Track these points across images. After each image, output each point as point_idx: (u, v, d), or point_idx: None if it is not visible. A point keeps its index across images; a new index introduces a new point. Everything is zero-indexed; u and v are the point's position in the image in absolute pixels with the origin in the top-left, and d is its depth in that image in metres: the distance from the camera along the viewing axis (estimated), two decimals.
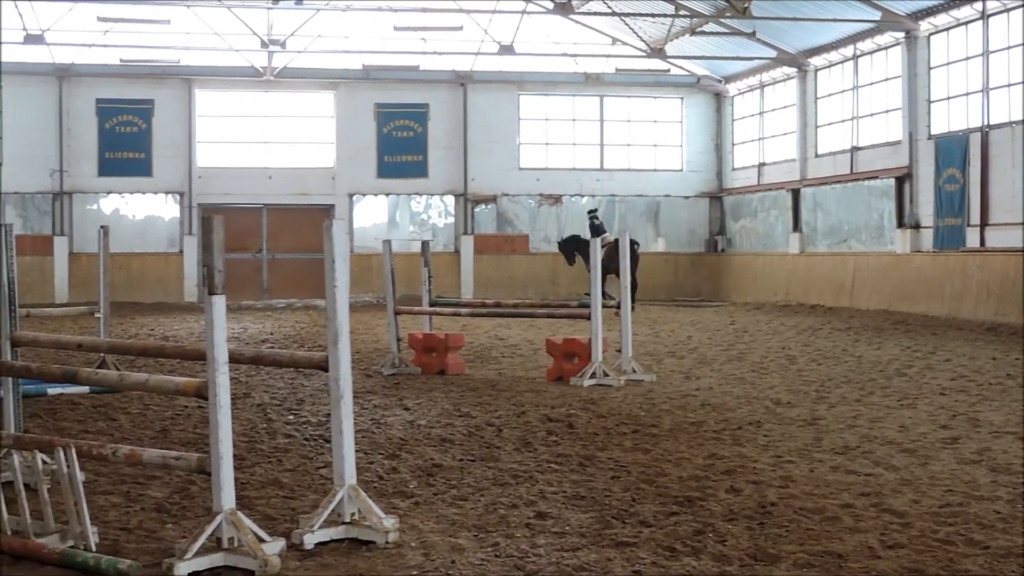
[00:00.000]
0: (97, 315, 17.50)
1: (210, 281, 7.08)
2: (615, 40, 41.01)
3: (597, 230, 35.28)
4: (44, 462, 7.96)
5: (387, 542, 7.70)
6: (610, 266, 35.66)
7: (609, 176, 42.56)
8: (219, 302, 7.12)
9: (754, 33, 35.92)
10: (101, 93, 39.66)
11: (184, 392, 7.58)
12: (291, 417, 13.57)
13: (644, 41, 39.23)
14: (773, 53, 37.66)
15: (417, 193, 41.61)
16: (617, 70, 41.77)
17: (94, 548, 7.35)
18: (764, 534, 8.01)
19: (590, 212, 36.41)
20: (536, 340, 23.32)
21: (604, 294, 34.47)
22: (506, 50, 39.13)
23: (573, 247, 35.39)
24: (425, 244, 19.41)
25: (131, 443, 11.22)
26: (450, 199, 41.78)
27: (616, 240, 35.34)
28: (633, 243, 35.60)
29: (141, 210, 40.09)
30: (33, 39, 37.10)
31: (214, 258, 7.09)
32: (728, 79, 42.24)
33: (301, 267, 40.01)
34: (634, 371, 17.11)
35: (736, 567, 7.26)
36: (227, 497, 7.21)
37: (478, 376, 17.89)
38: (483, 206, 42.01)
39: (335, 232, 7.75)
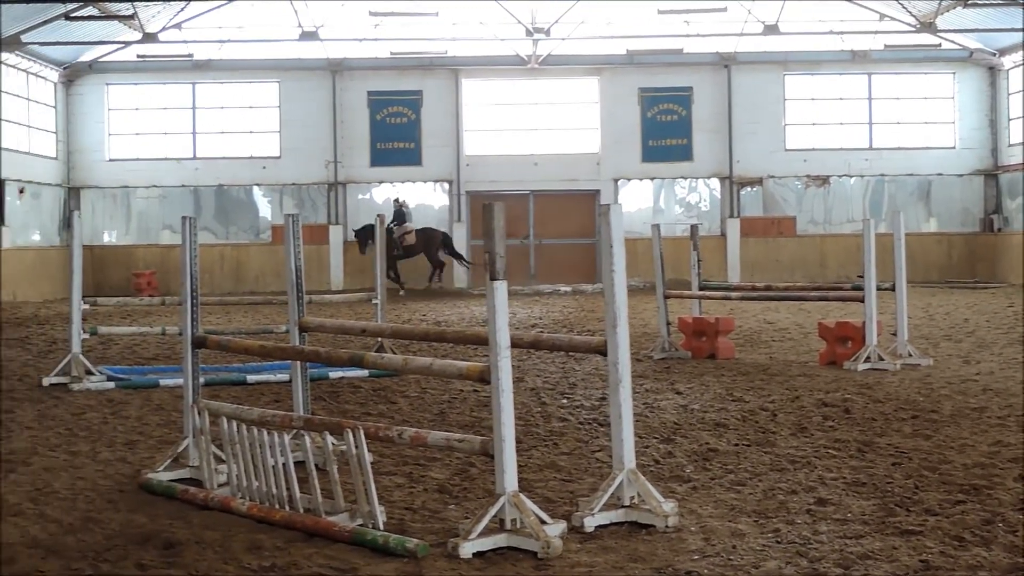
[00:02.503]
0: (374, 301, 17.97)
1: (492, 267, 7.17)
2: (883, 16, 39.95)
3: (401, 216, 35.51)
4: (332, 443, 8.22)
5: (667, 526, 7.69)
6: (420, 252, 36.30)
7: (878, 155, 41.58)
8: (501, 288, 7.19)
9: None
10: (372, 86, 40.77)
11: (467, 376, 7.69)
12: (564, 401, 13.72)
13: (913, 15, 38.25)
14: None
15: (682, 177, 41.48)
16: (886, 47, 40.72)
17: (382, 527, 7.58)
18: None
19: (395, 201, 37.54)
20: (806, 324, 23.01)
21: (391, 276, 35.17)
22: (771, 30, 38.63)
23: (367, 236, 35.86)
24: (694, 228, 19.31)
25: (411, 425, 11.50)
26: (715, 182, 41.52)
27: (427, 229, 36.08)
28: (444, 235, 36.42)
29: (411, 198, 41.00)
30: (308, 35, 38.32)
31: (496, 244, 7.18)
32: (1003, 52, 40.72)
33: (568, 252, 40.43)
34: (910, 355, 16.71)
35: None
36: (510, 479, 7.30)
37: (748, 360, 17.74)
38: (749, 188, 41.61)
39: (613, 216, 7.73)
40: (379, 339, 17.28)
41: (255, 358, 16.10)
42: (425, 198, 41.19)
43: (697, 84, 41.34)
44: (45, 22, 35.28)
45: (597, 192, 40.81)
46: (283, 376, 15.52)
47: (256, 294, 36.05)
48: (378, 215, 18.76)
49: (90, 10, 35.28)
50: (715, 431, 11.46)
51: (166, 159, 41.09)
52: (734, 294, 20.82)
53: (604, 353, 7.86)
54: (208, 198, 40.97)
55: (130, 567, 7.01)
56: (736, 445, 10.72)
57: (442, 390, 14.59)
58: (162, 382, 15.46)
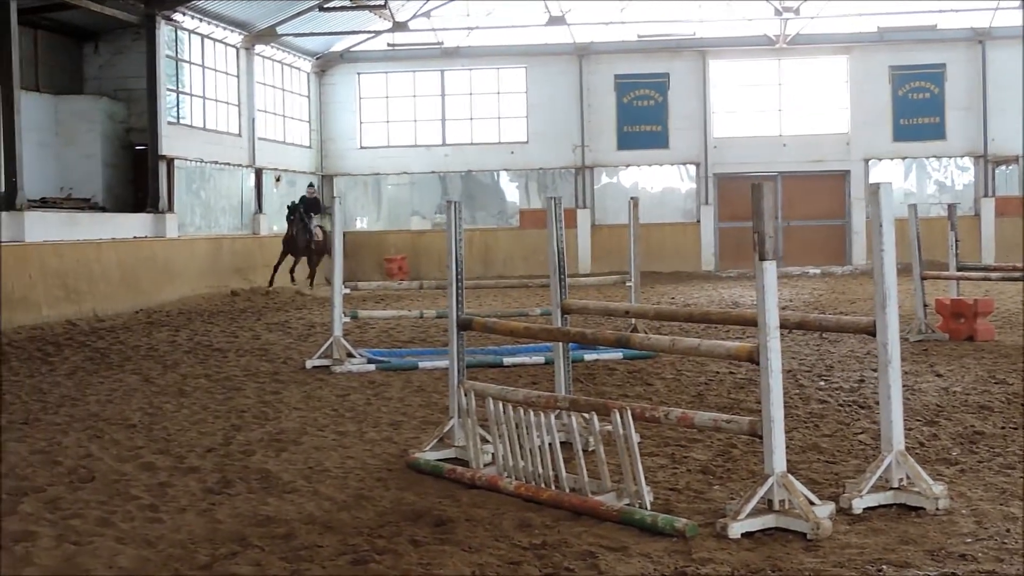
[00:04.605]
0: (628, 284, 18.02)
1: (761, 247, 7.17)
2: None
3: (317, 206, 34.16)
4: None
5: (937, 508, 7.59)
6: (322, 252, 34.11)
7: None
8: (770, 268, 7.19)
9: None
10: (619, 69, 40.84)
11: (736, 357, 7.70)
12: (822, 383, 13.58)
13: None
14: None
15: (935, 156, 40.46)
16: None
17: (649, 507, 7.66)
18: None
19: (309, 187, 35.94)
20: None
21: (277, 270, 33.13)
22: None
23: (297, 215, 33.69)
24: (951, 208, 18.90)
25: (669, 407, 11.55)
26: (968, 161, 40.37)
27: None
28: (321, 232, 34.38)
29: (658, 182, 41.01)
30: (555, 20, 38.61)
31: (765, 224, 7.17)
32: None
33: (816, 234, 39.90)
34: None
35: None
36: (778, 460, 7.29)
37: (1009, 342, 17.29)
38: (1004, 167, 40.31)
39: (883, 195, 7.63)
40: (631, 320, 17.34)
41: (510, 340, 16.34)
42: (671, 181, 41.12)
43: (950, 61, 40.19)
44: (299, 14, 36.38)
45: (847, 173, 40.14)
46: (537, 359, 15.75)
47: (504, 278, 36.50)
48: (631, 197, 18.76)
49: (342, 1, 36.22)
50: (980, 414, 11.22)
51: (415, 146, 41.91)
52: (994, 275, 20.24)
53: (873, 333, 7.79)
54: (455, 184, 41.66)
55: (404, 543, 7.22)
56: (1003, 428, 10.49)
57: (698, 372, 14.58)
58: (420, 364, 15.80)
